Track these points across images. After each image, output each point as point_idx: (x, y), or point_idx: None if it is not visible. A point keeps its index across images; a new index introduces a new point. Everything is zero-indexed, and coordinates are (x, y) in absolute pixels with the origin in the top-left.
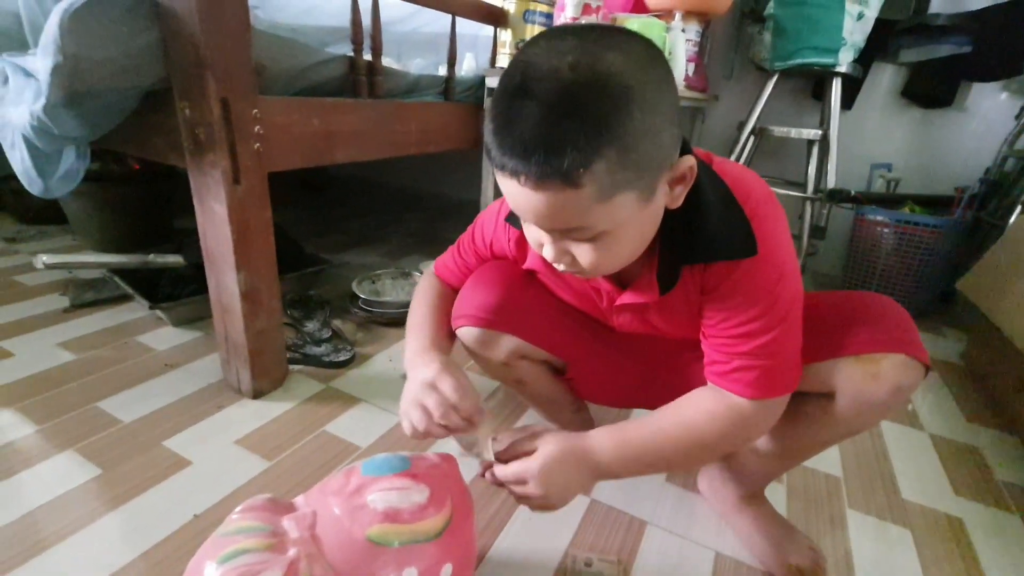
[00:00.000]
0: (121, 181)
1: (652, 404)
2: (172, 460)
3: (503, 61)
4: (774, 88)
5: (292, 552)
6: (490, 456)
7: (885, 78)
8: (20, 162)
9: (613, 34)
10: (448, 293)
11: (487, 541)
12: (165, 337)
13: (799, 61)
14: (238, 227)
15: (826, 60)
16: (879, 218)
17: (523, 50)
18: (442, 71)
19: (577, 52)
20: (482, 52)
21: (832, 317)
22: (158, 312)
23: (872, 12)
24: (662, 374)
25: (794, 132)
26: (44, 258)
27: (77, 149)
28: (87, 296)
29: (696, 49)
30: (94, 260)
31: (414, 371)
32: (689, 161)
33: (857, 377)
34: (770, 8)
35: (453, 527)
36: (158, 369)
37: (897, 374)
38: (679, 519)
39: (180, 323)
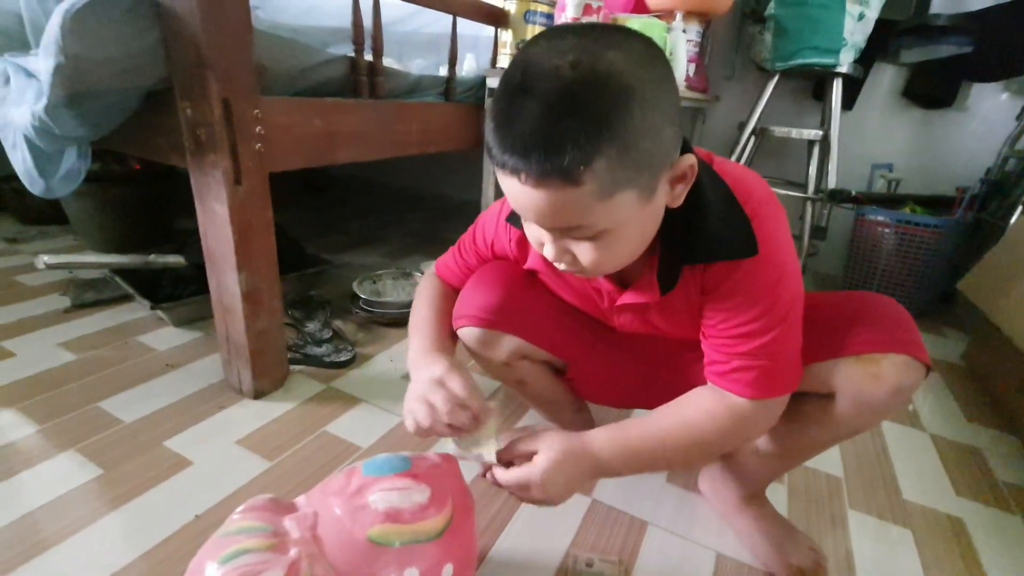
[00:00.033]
0: (122, 181)
1: (653, 404)
2: (173, 460)
3: (504, 61)
4: (775, 88)
5: (293, 552)
6: (492, 457)
7: (886, 78)
8: (21, 162)
9: (613, 33)
10: (449, 293)
11: (488, 541)
12: (166, 337)
13: (800, 61)
14: (239, 227)
15: (827, 60)
16: (880, 218)
17: (524, 49)
18: (443, 71)
19: (577, 51)
20: (483, 52)
21: (833, 317)
22: (159, 312)
23: (873, 12)
24: (663, 374)
25: (795, 132)
26: (45, 258)
27: (78, 149)
28: (88, 296)
29: (697, 49)
30: (95, 260)
31: (419, 370)
32: (690, 160)
33: (858, 377)
34: (771, 8)
35: (454, 527)
36: (159, 369)
37: (898, 374)
38: (680, 519)
39: (181, 323)
